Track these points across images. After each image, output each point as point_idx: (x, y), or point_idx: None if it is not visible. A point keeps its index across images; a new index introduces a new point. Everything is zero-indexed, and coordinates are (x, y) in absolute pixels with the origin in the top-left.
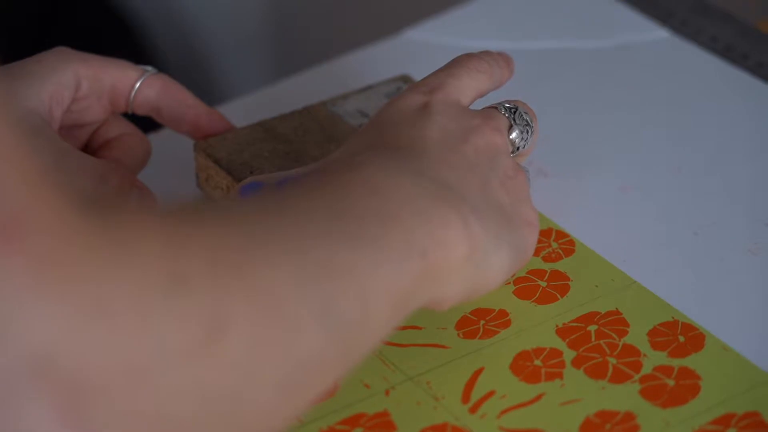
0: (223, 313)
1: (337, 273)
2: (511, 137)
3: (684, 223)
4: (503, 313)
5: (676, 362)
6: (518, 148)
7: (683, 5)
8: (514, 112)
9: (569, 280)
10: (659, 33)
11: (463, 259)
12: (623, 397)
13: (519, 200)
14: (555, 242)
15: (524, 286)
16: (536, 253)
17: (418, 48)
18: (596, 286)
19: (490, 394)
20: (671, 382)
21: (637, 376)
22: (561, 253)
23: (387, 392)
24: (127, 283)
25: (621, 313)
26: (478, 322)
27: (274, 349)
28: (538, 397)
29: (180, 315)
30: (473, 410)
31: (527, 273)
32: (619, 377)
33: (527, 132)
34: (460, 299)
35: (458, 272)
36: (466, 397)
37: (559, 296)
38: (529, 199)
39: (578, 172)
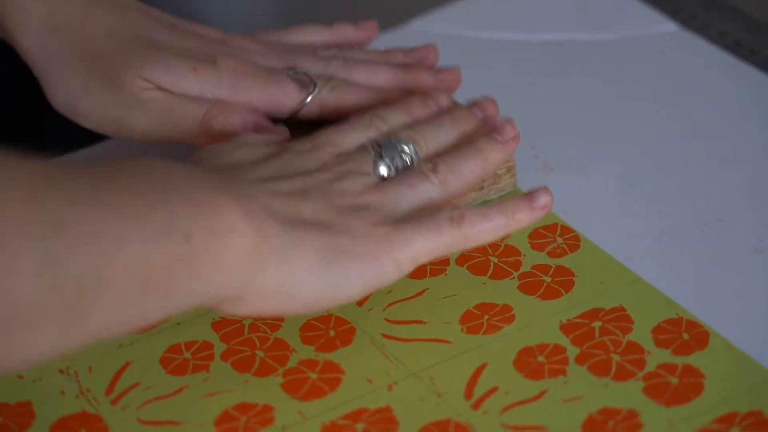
0: None
1: (70, 234)
2: (378, 173)
3: (690, 219)
4: (507, 308)
5: (680, 360)
6: (392, 174)
7: None
8: (381, 147)
9: (574, 275)
10: (668, 26)
11: (244, 254)
12: (626, 395)
13: (350, 222)
14: (560, 237)
15: (529, 281)
16: (541, 248)
17: (425, 39)
18: (601, 282)
19: (493, 390)
20: (675, 380)
21: (640, 374)
22: (566, 248)
23: (389, 387)
24: None
25: (625, 310)
26: (482, 316)
27: None
28: (541, 394)
29: None
30: (476, 406)
31: (532, 268)
32: (622, 375)
33: (401, 159)
34: (257, 305)
35: (239, 268)
36: (468, 393)
37: (563, 292)
38: (374, 235)
39: (584, 166)
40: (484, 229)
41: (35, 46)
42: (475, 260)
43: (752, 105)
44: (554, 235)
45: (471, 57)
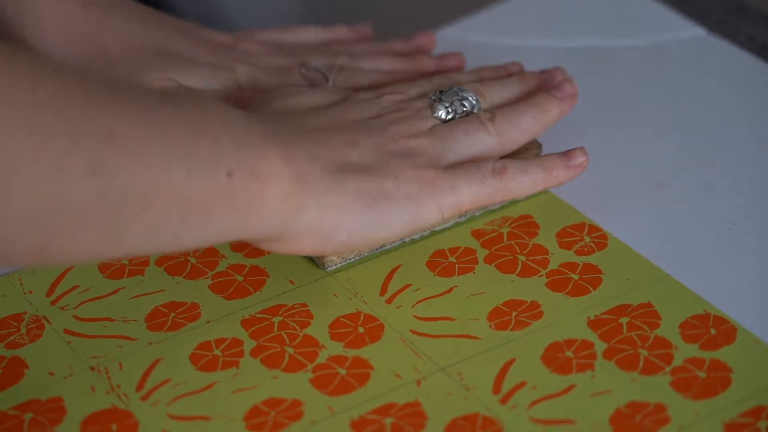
0: None
1: (119, 146)
2: (436, 115)
3: (717, 217)
4: (535, 305)
5: (708, 354)
6: (452, 117)
7: (719, 4)
8: (442, 93)
9: (602, 273)
10: (695, 31)
11: (282, 197)
12: (654, 389)
13: (397, 165)
14: (587, 236)
15: (557, 278)
16: (569, 246)
17: (453, 46)
18: (628, 279)
19: (521, 384)
20: (702, 375)
21: (668, 368)
22: (593, 246)
23: (418, 382)
24: None
25: (653, 306)
26: (510, 313)
27: (30, 171)
28: (569, 389)
29: None
30: (504, 401)
31: (560, 266)
32: (650, 369)
33: (460, 105)
34: (296, 244)
35: (276, 210)
36: (497, 388)
37: (591, 289)
38: (421, 161)
39: (612, 166)
40: (523, 182)
41: (53, 57)
42: (503, 259)
43: None
44: (582, 234)
45: (498, 64)
